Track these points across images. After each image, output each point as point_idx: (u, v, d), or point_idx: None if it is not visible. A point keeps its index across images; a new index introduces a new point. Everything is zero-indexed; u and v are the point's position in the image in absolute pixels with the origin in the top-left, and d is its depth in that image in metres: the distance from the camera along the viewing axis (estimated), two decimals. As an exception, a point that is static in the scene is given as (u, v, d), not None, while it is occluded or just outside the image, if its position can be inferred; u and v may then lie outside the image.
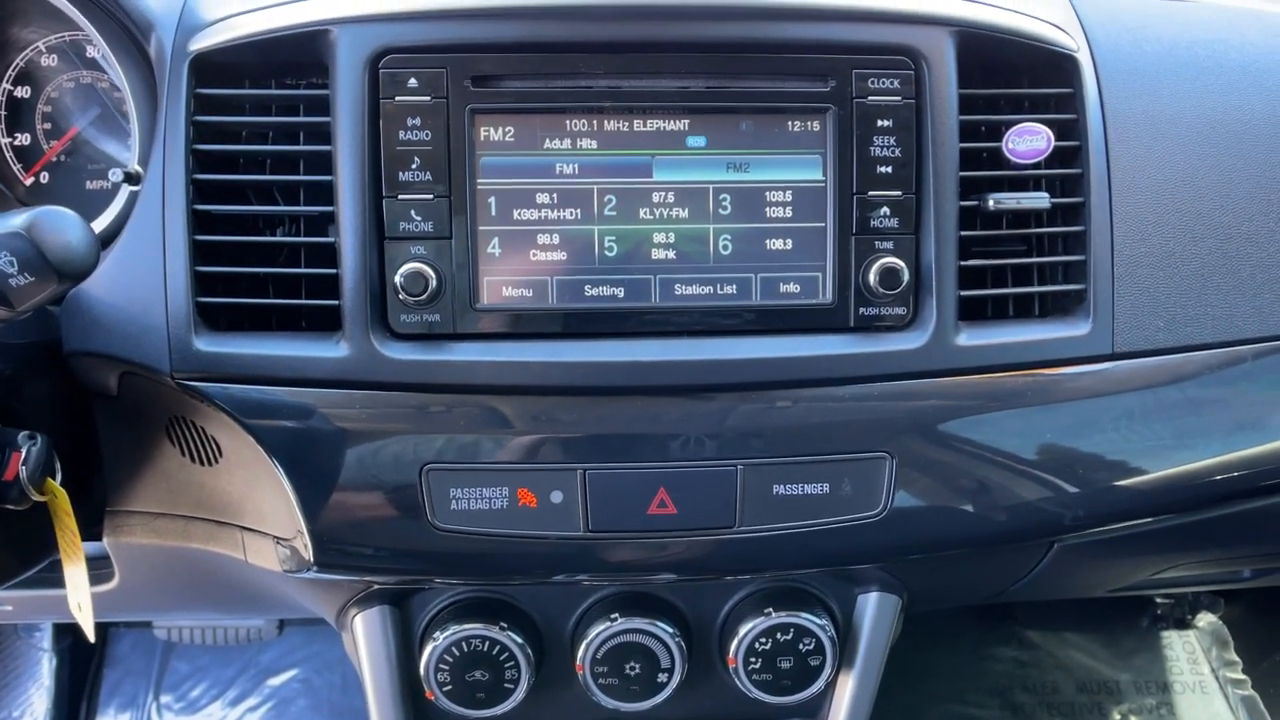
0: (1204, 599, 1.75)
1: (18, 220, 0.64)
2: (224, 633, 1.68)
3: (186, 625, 1.65)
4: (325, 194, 0.84)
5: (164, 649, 1.72)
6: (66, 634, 1.66)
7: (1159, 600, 1.76)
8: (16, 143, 1.01)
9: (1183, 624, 1.76)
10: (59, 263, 0.64)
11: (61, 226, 0.65)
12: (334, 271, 0.83)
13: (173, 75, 0.86)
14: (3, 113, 1.01)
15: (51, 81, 1.01)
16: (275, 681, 1.71)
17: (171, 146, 0.85)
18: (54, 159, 1.02)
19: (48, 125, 1.01)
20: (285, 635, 1.72)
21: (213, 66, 0.86)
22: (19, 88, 1.01)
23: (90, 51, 1.00)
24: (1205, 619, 1.76)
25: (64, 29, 0.99)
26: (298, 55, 0.85)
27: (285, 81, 0.87)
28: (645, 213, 0.84)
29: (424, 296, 0.81)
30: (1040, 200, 0.87)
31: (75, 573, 0.89)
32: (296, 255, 0.86)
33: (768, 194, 0.85)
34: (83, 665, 1.70)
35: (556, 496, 0.85)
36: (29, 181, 1.02)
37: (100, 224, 0.93)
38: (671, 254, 0.85)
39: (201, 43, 0.86)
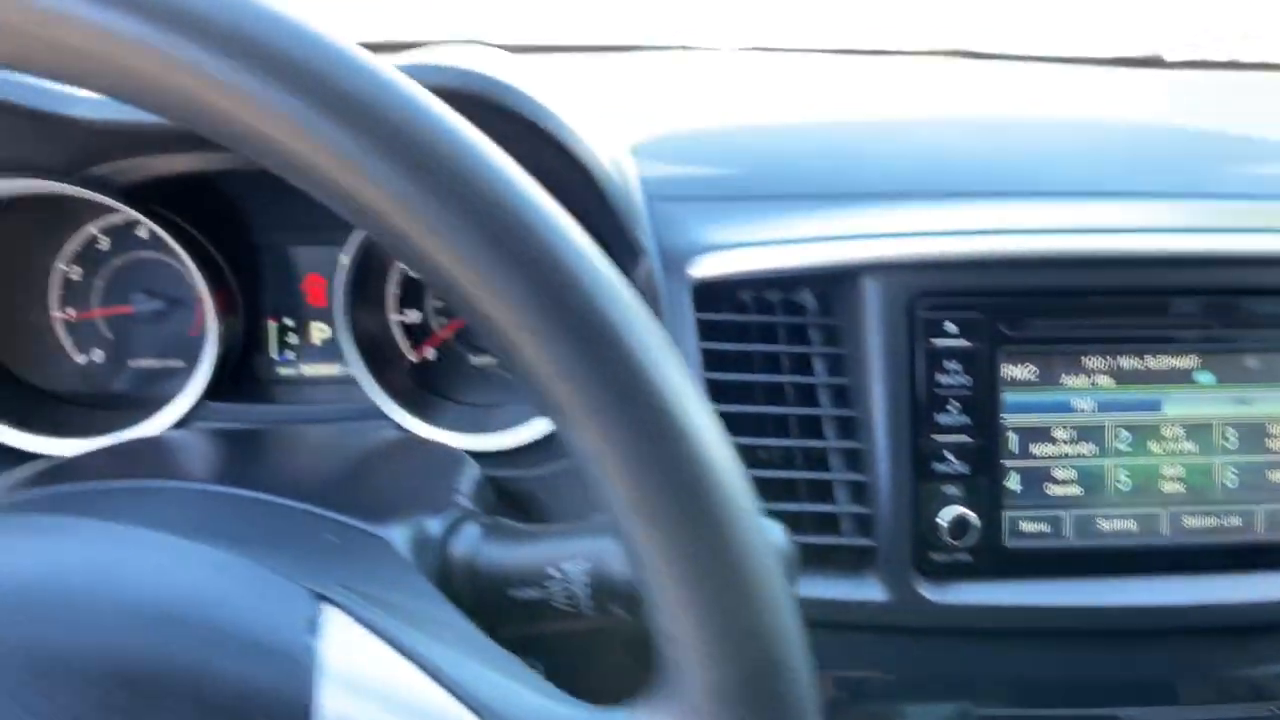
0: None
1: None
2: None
3: None
4: (846, 427, 0.84)
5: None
6: None
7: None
8: (406, 319, 1.01)
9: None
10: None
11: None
12: (866, 510, 0.83)
13: (672, 299, 0.85)
14: (397, 291, 1.00)
15: None
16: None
17: None
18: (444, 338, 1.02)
19: (439, 303, 1.01)
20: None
21: (711, 292, 0.86)
22: None
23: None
24: None
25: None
26: (806, 287, 0.86)
27: (784, 308, 0.87)
28: (1155, 447, 0.86)
29: (965, 539, 0.81)
30: None
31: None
32: (799, 487, 0.85)
33: (1269, 427, 0.87)
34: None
35: None
36: (416, 358, 1.02)
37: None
38: (1180, 487, 0.86)
39: (707, 271, 0.85)
